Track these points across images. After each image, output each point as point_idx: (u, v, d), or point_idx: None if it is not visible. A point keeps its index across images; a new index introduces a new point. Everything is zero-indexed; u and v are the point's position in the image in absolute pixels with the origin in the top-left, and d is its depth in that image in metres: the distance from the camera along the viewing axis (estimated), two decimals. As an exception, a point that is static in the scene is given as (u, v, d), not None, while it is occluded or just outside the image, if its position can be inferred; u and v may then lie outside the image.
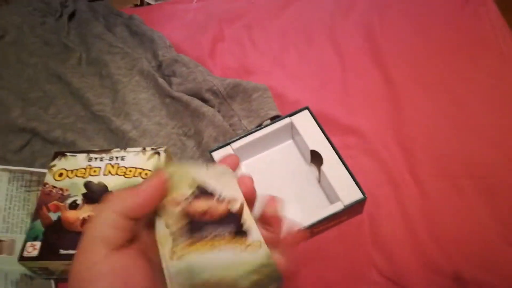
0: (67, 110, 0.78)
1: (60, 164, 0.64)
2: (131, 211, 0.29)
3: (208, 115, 0.70)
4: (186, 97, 0.73)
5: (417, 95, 0.74)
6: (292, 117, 0.66)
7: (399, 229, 0.61)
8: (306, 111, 0.66)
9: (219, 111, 0.73)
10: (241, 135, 0.65)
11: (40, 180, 0.68)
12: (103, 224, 0.29)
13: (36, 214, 0.59)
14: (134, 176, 0.62)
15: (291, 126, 0.66)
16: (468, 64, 0.77)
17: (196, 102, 0.72)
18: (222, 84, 0.74)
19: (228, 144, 0.65)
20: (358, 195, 0.57)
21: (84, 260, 0.28)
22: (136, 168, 0.62)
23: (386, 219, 0.62)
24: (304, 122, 0.65)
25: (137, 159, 0.63)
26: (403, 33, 0.83)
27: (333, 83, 0.78)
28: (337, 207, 0.56)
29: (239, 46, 0.88)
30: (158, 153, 0.63)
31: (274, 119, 0.72)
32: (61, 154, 0.66)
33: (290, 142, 0.70)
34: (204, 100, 0.74)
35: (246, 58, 0.85)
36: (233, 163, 0.36)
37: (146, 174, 0.61)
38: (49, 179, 0.63)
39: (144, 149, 0.64)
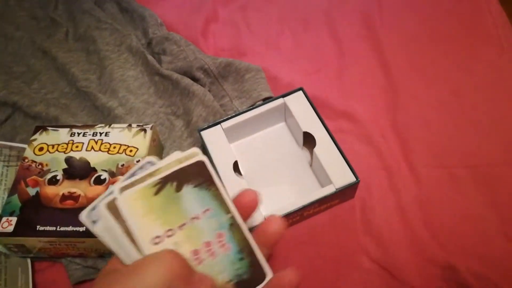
0: (51, 86, 0.75)
1: (41, 138, 0.61)
2: None
3: (198, 94, 0.67)
4: (176, 75, 0.70)
5: (414, 84, 0.72)
6: (285, 98, 0.63)
7: (392, 216, 0.59)
8: (300, 92, 0.64)
9: (209, 91, 0.70)
10: (232, 115, 0.63)
11: (19, 155, 0.65)
12: None
13: (14, 189, 0.56)
14: (119, 152, 0.59)
15: (284, 107, 0.64)
16: (467, 55, 0.75)
17: (186, 81, 0.69)
18: (214, 63, 0.72)
19: (218, 123, 0.62)
20: (351, 179, 0.55)
21: None
22: (120, 144, 0.59)
23: (378, 205, 0.60)
24: (297, 103, 0.63)
25: (122, 135, 0.61)
26: (402, 21, 0.81)
27: (329, 68, 0.76)
28: (329, 189, 0.54)
29: (233, 27, 0.85)
30: (145, 130, 0.61)
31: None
32: (42, 128, 0.63)
33: (282, 124, 0.67)
34: (195, 79, 0.71)
35: (240, 40, 0.82)
36: (251, 201, 0.34)
37: (131, 151, 0.59)
38: (28, 153, 0.60)
39: (129, 125, 0.62)
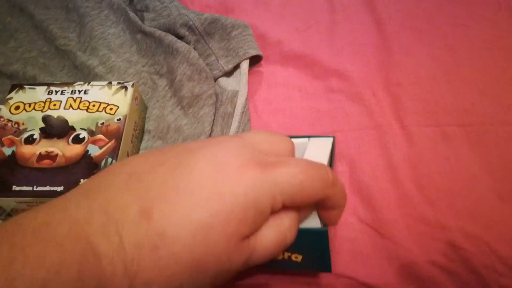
0: (28, 44, 0.72)
1: (17, 97, 0.59)
2: None
3: (183, 51, 0.64)
4: (159, 33, 0.67)
5: (408, 40, 0.69)
6: (311, 139, 0.53)
7: (382, 175, 0.57)
8: (330, 139, 0.53)
9: (195, 49, 0.67)
10: None
11: (-4, 116, 0.62)
12: None
13: (-11, 150, 0.54)
14: (98, 110, 0.56)
15: (305, 147, 0.53)
16: (463, 11, 0.73)
17: (170, 38, 0.66)
18: (199, 19, 0.68)
19: None
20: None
21: None
22: (100, 102, 0.57)
23: (368, 165, 0.58)
24: (317, 148, 0.52)
25: (102, 93, 0.58)
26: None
27: (320, 25, 0.73)
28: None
29: (219, -16, 0.81)
30: (125, 88, 0.58)
31: (256, 59, 0.67)
32: (19, 86, 0.60)
33: None
34: (179, 37, 0.68)
35: (227, -3, 0.79)
36: None
37: (111, 109, 0.56)
38: (4, 112, 0.57)
39: (110, 83, 0.59)
